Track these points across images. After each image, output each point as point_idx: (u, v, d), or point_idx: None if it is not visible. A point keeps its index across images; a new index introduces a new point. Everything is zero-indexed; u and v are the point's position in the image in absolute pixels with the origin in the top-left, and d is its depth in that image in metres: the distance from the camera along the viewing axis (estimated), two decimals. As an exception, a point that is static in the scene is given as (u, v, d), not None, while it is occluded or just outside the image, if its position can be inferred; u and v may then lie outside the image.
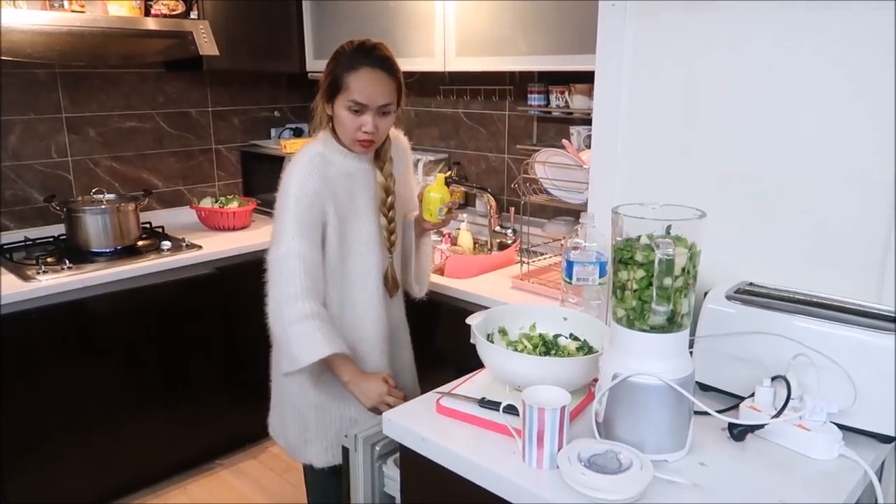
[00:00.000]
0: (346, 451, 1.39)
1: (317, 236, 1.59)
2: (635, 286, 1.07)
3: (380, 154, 1.68)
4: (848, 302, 1.26)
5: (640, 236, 1.08)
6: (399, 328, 1.87)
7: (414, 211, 1.84)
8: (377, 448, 1.39)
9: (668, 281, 1.04)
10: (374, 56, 1.58)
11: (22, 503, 2.22)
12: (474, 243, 2.61)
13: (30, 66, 2.56)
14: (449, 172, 1.75)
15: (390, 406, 1.48)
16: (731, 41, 1.42)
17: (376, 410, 1.55)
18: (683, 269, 1.05)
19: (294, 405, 1.75)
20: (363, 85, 1.54)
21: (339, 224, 1.62)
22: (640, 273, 1.06)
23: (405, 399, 1.49)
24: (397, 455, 1.38)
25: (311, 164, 1.59)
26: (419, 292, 1.90)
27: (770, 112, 1.40)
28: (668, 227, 1.06)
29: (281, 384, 1.78)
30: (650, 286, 1.05)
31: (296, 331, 1.54)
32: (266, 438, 2.90)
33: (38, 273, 2.22)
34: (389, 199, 1.68)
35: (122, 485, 2.50)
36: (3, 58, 2.18)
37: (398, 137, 1.76)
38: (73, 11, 2.36)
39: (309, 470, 1.87)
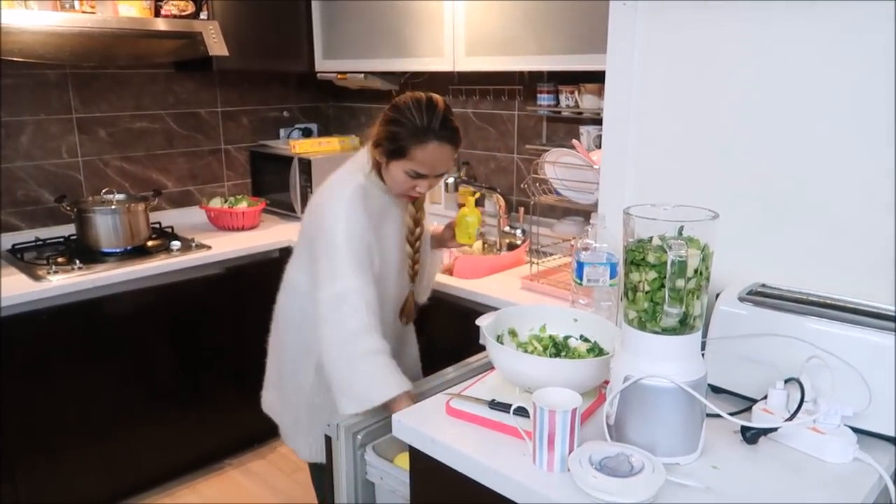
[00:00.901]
0: (328, 439, 1.42)
1: (370, 270, 1.56)
2: (647, 288, 1.06)
3: None
4: (862, 304, 1.25)
5: (651, 237, 1.07)
6: (407, 333, 1.89)
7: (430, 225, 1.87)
8: (359, 437, 1.42)
9: (680, 282, 1.03)
10: (444, 130, 1.54)
11: (34, 502, 2.23)
12: (483, 244, 2.60)
13: (41, 67, 2.57)
14: (477, 194, 1.79)
15: None
16: (744, 39, 1.41)
17: None
18: (696, 271, 1.04)
19: (290, 397, 1.79)
20: (429, 160, 1.53)
21: (378, 258, 1.62)
22: (652, 274, 1.05)
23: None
24: (377, 442, 1.43)
25: (355, 199, 1.56)
26: (421, 298, 1.92)
27: (783, 111, 1.38)
28: (681, 229, 1.05)
29: (281, 373, 1.81)
30: (662, 288, 1.04)
31: (364, 368, 1.49)
32: (274, 438, 2.90)
33: (49, 273, 2.23)
34: (417, 231, 1.70)
35: (132, 484, 2.51)
36: (14, 59, 2.20)
37: None
38: (83, 12, 2.37)
39: (314, 468, 1.88)
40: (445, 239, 1.88)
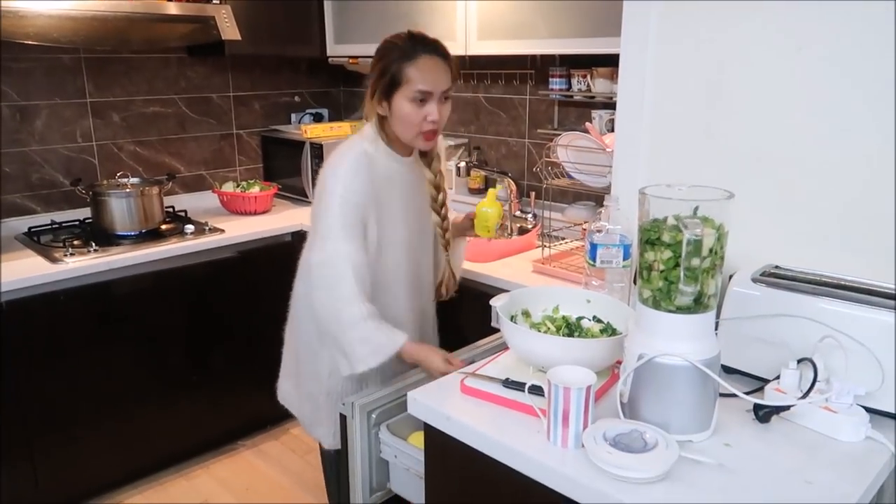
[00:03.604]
0: (343, 418, 1.44)
1: (362, 237, 1.57)
2: (662, 267, 1.07)
3: (427, 151, 1.66)
4: (875, 284, 1.25)
5: (666, 217, 1.07)
6: (428, 316, 1.87)
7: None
8: (373, 415, 1.44)
9: (695, 261, 1.04)
10: (429, 43, 1.55)
11: (51, 481, 2.27)
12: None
13: (55, 51, 2.58)
14: (499, 186, 1.77)
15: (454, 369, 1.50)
16: (759, 22, 1.41)
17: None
18: (711, 250, 1.05)
19: (307, 386, 1.79)
20: (426, 72, 1.51)
21: (377, 227, 1.61)
22: (667, 254, 1.06)
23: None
24: (392, 421, 1.45)
25: (358, 163, 1.56)
26: (445, 294, 1.86)
27: (797, 94, 1.38)
28: (696, 209, 1.06)
29: (298, 361, 1.81)
30: (677, 267, 1.05)
31: (356, 334, 1.53)
32: (287, 420, 2.94)
33: (66, 255, 2.26)
34: (441, 196, 1.66)
35: (147, 463, 2.55)
36: (29, 42, 2.22)
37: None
38: (97, -4, 2.38)
39: (326, 455, 1.89)
40: (465, 228, 1.83)
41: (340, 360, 1.59)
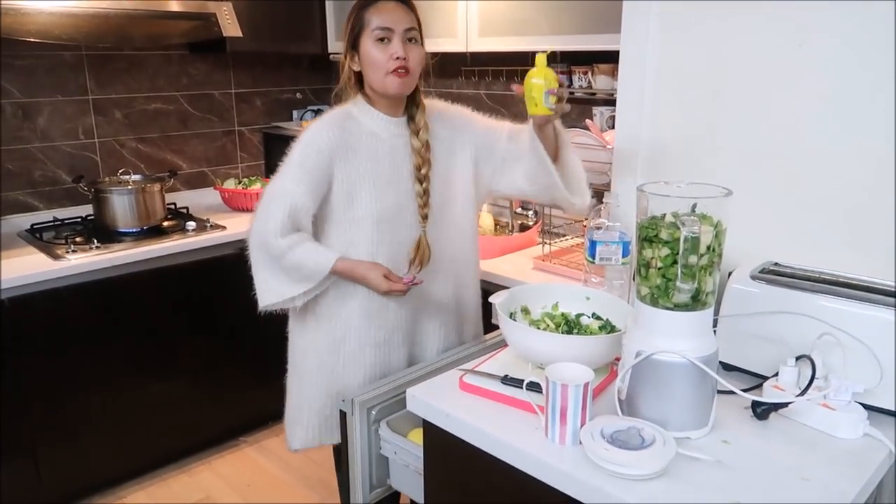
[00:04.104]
0: (343, 414, 1.44)
1: (315, 184, 1.54)
2: (660, 264, 1.07)
3: (414, 119, 1.62)
4: (874, 282, 1.25)
5: (664, 214, 1.08)
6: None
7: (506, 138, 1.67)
8: (373, 412, 1.44)
9: (693, 259, 1.04)
10: None
11: (54, 477, 2.28)
12: (495, 224, 2.61)
13: (57, 48, 2.59)
14: (548, 50, 1.47)
15: (398, 289, 1.55)
16: (761, 18, 1.40)
17: (392, 293, 1.57)
18: (709, 248, 1.05)
19: (290, 379, 1.78)
20: (383, 12, 1.53)
21: (346, 181, 1.56)
22: (665, 251, 1.06)
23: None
24: (391, 418, 1.45)
25: (332, 116, 1.59)
26: (580, 203, 1.61)
27: (798, 91, 1.38)
28: (694, 206, 1.06)
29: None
30: (675, 264, 1.05)
31: (283, 263, 1.57)
32: (289, 416, 2.95)
33: (68, 252, 2.27)
34: (425, 168, 1.60)
35: (150, 460, 2.56)
36: (30, 40, 2.22)
37: (433, 104, 1.68)
38: (98, -7, 2.38)
39: (336, 451, 1.89)
40: (537, 124, 1.54)
41: (266, 290, 1.62)
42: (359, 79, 1.60)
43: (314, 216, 1.58)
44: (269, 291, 1.62)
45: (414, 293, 1.62)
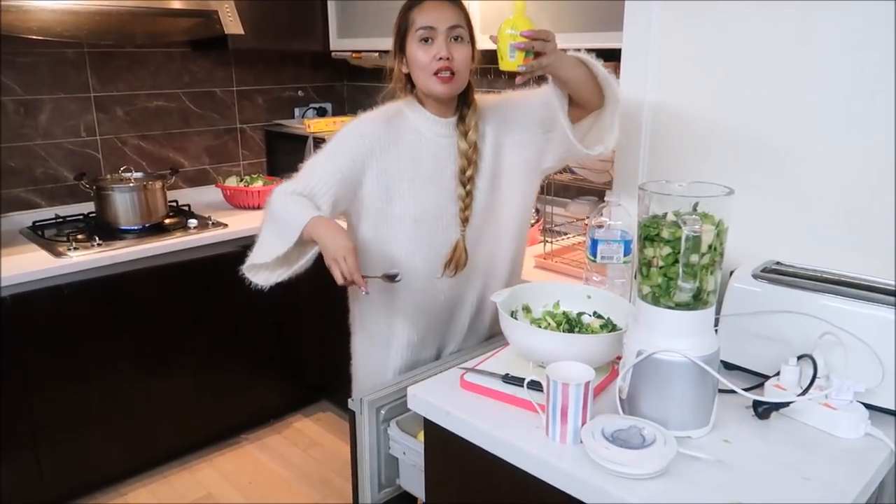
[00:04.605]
0: (352, 413, 1.43)
1: (347, 167, 1.50)
2: (661, 263, 1.07)
3: (465, 119, 1.58)
4: (876, 281, 1.25)
5: (666, 213, 1.07)
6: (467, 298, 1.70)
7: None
8: (382, 412, 1.42)
9: (694, 258, 1.04)
10: None
11: (56, 473, 2.29)
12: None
13: (59, 46, 2.59)
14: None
15: (343, 270, 1.39)
16: (762, 17, 1.40)
17: (335, 265, 1.41)
18: (710, 247, 1.05)
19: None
20: (426, 11, 1.49)
21: (385, 175, 1.53)
22: (667, 250, 1.06)
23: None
24: (401, 418, 1.43)
25: (383, 109, 1.57)
26: (604, 149, 1.51)
27: (801, 90, 1.38)
28: (696, 204, 1.06)
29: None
30: (676, 263, 1.05)
31: (268, 222, 1.52)
32: (290, 414, 2.96)
33: (69, 249, 2.27)
34: (469, 172, 1.56)
35: (151, 457, 2.57)
36: (33, 37, 2.22)
37: (484, 101, 1.63)
38: (100, -9, 2.38)
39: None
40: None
41: (255, 249, 1.54)
42: (409, 80, 1.56)
43: (345, 208, 1.55)
44: (256, 252, 1.54)
45: (451, 294, 1.61)
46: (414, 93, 1.56)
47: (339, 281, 1.39)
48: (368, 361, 1.69)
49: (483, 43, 1.57)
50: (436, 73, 1.47)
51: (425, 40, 1.47)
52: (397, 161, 1.53)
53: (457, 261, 1.57)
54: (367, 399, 1.41)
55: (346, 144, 1.52)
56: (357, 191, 1.53)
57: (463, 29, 1.50)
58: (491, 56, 1.44)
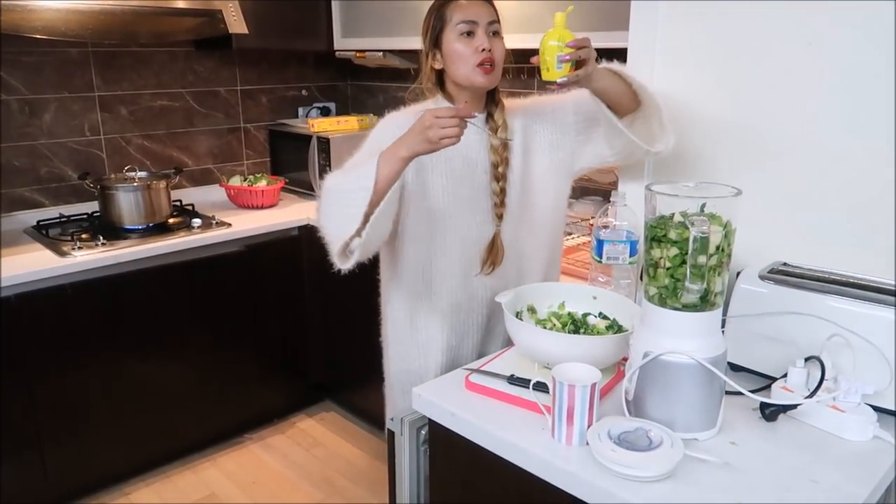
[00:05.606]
0: (391, 434, 1.38)
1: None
2: (668, 264, 1.06)
3: (493, 116, 1.59)
4: (884, 282, 1.24)
5: (673, 214, 1.07)
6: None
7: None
8: (422, 432, 1.37)
9: (702, 259, 1.03)
10: None
11: (60, 472, 2.29)
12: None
13: (63, 45, 2.59)
14: (570, 7, 1.38)
15: (442, 125, 1.31)
16: (769, 18, 1.39)
17: (439, 143, 1.33)
18: (718, 248, 1.04)
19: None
20: (465, 7, 1.51)
21: (423, 170, 1.53)
22: (674, 251, 1.05)
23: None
24: None
25: (413, 107, 1.57)
26: (664, 147, 1.49)
27: (807, 91, 1.37)
28: (703, 205, 1.05)
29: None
30: (683, 264, 1.05)
31: (329, 207, 1.46)
32: (293, 414, 2.96)
33: (74, 249, 2.27)
34: (501, 168, 1.57)
35: (155, 456, 2.57)
36: (37, 36, 2.22)
37: (511, 102, 1.64)
38: (105, -10, 2.38)
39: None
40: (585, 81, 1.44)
41: (331, 241, 1.46)
42: (438, 78, 1.58)
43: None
44: (333, 242, 1.45)
45: (487, 294, 1.59)
46: (444, 90, 1.57)
47: (454, 134, 1.31)
48: (404, 375, 1.66)
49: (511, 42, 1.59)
50: (479, 65, 1.49)
51: (467, 34, 1.49)
52: (430, 156, 1.50)
53: (494, 257, 1.57)
54: (407, 419, 1.35)
55: (386, 136, 1.49)
56: (401, 180, 1.46)
57: (498, 24, 1.54)
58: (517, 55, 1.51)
